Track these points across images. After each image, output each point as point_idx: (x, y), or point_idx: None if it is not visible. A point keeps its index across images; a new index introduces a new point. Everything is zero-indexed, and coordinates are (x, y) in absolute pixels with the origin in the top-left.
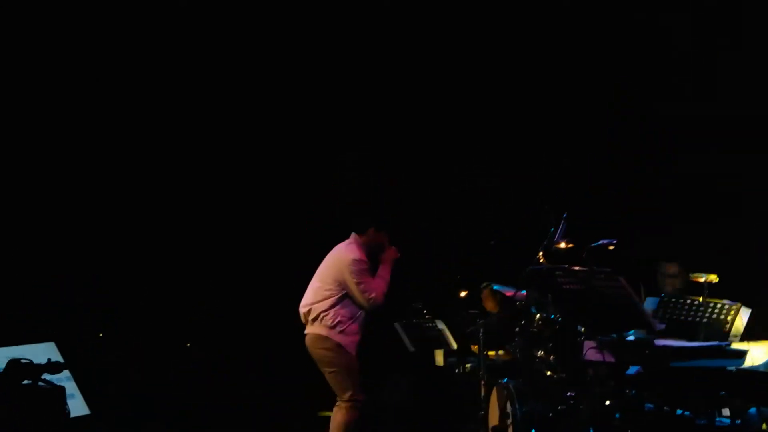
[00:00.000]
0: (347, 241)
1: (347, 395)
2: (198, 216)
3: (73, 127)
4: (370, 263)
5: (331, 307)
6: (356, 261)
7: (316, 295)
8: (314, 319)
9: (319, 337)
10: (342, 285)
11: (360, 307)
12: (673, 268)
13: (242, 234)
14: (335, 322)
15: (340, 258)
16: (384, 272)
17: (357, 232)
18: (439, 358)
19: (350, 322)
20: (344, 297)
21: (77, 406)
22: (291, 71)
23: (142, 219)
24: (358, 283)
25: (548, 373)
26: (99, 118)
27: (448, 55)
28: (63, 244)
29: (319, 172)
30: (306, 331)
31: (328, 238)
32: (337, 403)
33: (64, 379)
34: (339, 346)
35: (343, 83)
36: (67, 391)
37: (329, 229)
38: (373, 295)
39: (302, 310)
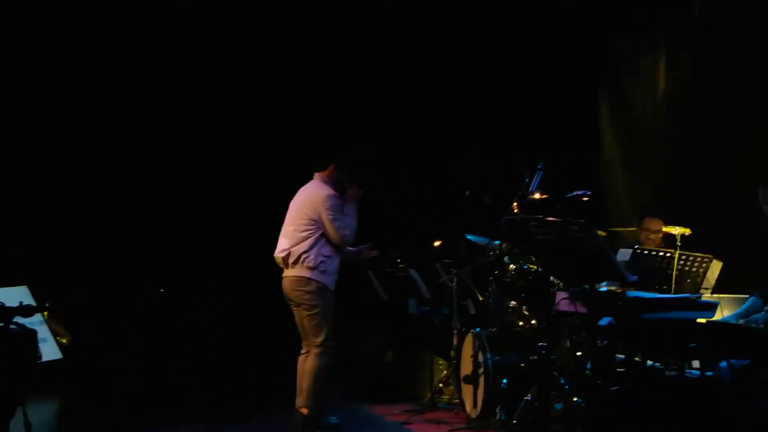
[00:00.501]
0: (312, 181)
1: (320, 339)
2: (188, 185)
3: (64, 108)
4: None
5: (312, 247)
6: (330, 196)
7: (293, 238)
8: (294, 262)
9: (301, 280)
10: (318, 223)
11: (331, 243)
12: (656, 225)
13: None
14: (317, 262)
15: (313, 195)
16: (350, 211)
17: (319, 170)
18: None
19: (330, 260)
20: (322, 236)
21: (49, 350)
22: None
23: (120, 174)
24: (333, 219)
25: (520, 323)
26: (88, 102)
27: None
28: (36, 187)
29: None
30: (285, 275)
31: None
32: (304, 350)
33: (36, 323)
34: (322, 286)
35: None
36: (40, 335)
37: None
38: (347, 231)
39: (280, 255)
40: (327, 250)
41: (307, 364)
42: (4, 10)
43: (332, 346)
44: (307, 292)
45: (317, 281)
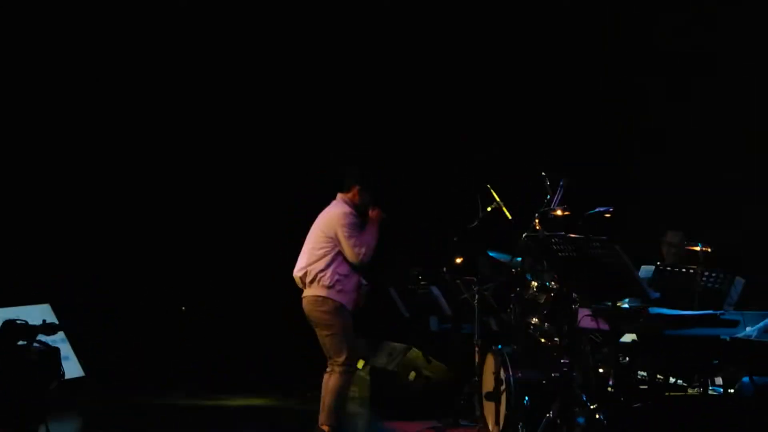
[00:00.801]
0: (334, 201)
1: (342, 358)
2: (191, 180)
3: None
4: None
5: (328, 265)
6: (347, 214)
7: (311, 256)
8: (312, 281)
9: (318, 299)
10: (334, 241)
11: (348, 262)
12: (675, 237)
13: (237, 197)
14: (333, 281)
15: (331, 214)
16: (371, 230)
17: (342, 191)
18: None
19: (347, 279)
20: (338, 254)
21: (72, 367)
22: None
23: (137, 186)
24: (348, 237)
25: (542, 340)
26: (82, 96)
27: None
28: (60, 208)
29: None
30: (304, 294)
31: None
32: (329, 368)
33: (59, 341)
34: (338, 306)
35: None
36: (62, 353)
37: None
38: (363, 249)
39: (298, 274)
40: (343, 269)
41: (330, 382)
42: (4, 10)
43: (355, 366)
44: (324, 312)
45: (333, 300)
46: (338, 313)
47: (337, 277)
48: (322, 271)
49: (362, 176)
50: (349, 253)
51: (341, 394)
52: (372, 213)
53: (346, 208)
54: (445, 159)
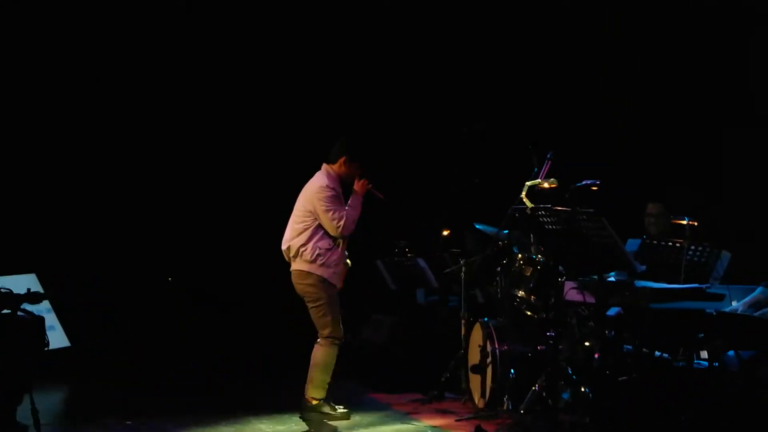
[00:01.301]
0: (318, 172)
1: (326, 331)
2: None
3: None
4: (342, 194)
5: (309, 239)
6: (324, 188)
7: (293, 231)
8: (295, 256)
9: (302, 273)
10: (313, 215)
11: (329, 235)
12: (656, 209)
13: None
14: (314, 255)
15: (310, 187)
16: (354, 202)
17: (328, 162)
18: None
19: (329, 253)
20: (318, 228)
21: (57, 337)
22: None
23: (126, 158)
24: (326, 210)
25: (528, 313)
26: (102, 99)
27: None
28: (47, 176)
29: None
30: (291, 268)
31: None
32: (317, 340)
33: (44, 310)
34: (322, 279)
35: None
36: (48, 323)
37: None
38: (342, 222)
39: (283, 247)
40: (325, 243)
41: (315, 353)
42: (4, 10)
43: (339, 338)
44: (308, 285)
45: (316, 274)
46: (321, 286)
47: (318, 251)
48: (303, 245)
49: (349, 147)
50: (329, 226)
51: (326, 367)
52: (357, 184)
53: (324, 181)
54: (433, 131)
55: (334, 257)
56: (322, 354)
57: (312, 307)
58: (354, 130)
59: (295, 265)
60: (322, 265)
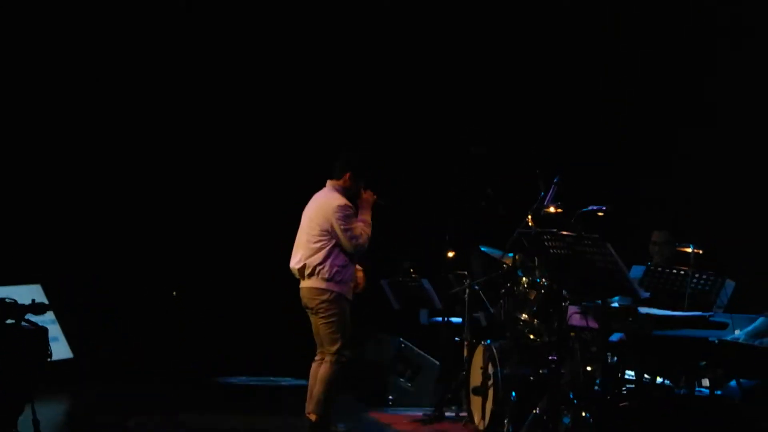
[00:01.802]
0: (325, 189)
1: (335, 347)
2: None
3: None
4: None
5: (326, 258)
6: (342, 207)
7: (307, 250)
8: (311, 274)
9: (318, 290)
10: (330, 233)
11: (345, 252)
12: (661, 236)
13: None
14: (332, 272)
15: (324, 206)
16: (365, 216)
17: (333, 178)
18: None
19: (345, 270)
20: (335, 246)
21: (60, 349)
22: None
23: (129, 169)
24: (345, 230)
25: (531, 336)
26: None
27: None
28: (54, 187)
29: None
30: (302, 285)
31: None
32: (318, 357)
33: (48, 321)
34: (338, 295)
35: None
36: (51, 334)
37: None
38: (360, 240)
39: (296, 266)
40: (341, 260)
41: (320, 371)
42: (4, 10)
43: (346, 356)
44: (324, 302)
45: (335, 291)
46: (337, 302)
47: (335, 269)
48: (320, 264)
49: (354, 163)
50: (347, 244)
51: (331, 384)
52: (365, 196)
53: (341, 200)
54: (440, 152)
55: (349, 273)
56: (327, 371)
57: (324, 323)
58: (354, 143)
59: (310, 283)
60: (339, 281)
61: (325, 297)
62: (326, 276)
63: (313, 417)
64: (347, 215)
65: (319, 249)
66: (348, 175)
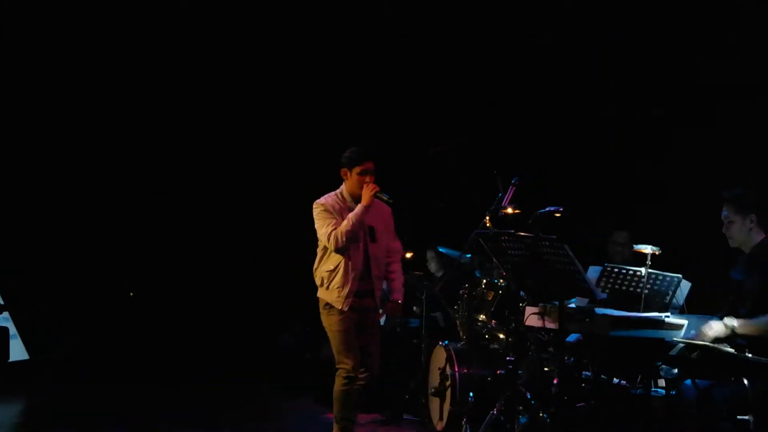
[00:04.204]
0: None
1: (337, 362)
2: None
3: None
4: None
5: (319, 262)
6: (315, 205)
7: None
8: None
9: (318, 300)
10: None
11: (333, 256)
12: (622, 237)
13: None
14: (321, 280)
15: None
16: (353, 212)
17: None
18: None
19: (332, 275)
20: (324, 249)
21: (16, 349)
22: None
23: (86, 169)
24: (318, 227)
25: (489, 337)
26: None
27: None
28: (7, 186)
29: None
30: None
31: None
32: None
33: (2, 320)
34: (327, 305)
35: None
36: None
37: None
38: (330, 234)
39: None
40: (327, 265)
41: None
42: (4, 10)
43: (345, 371)
44: (321, 311)
45: (321, 298)
46: (326, 312)
47: (322, 275)
48: (315, 269)
49: (344, 156)
50: (324, 241)
51: (337, 400)
52: (364, 189)
53: (321, 199)
54: (398, 152)
55: (337, 279)
56: (335, 386)
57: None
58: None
59: None
60: (327, 289)
61: (320, 307)
62: (318, 282)
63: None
64: (318, 212)
65: (317, 254)
66: (342, 171)
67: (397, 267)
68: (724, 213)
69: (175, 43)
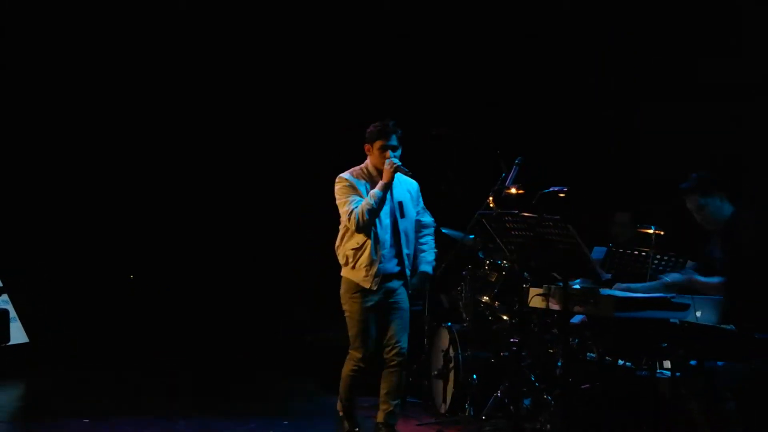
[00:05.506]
0: None
1: (350, 345)
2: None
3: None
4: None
5: (340, 242)
6: (338, 179)
7: None
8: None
9: (341, 278)
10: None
11: (356, 234)
12: (625, 218)
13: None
14: (345, 258)
15: None
16: (376, 189)
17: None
18: None
19: (357, 254)
20: (346, 230)
21: (16, 333)
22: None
23: (86, 152)
24: (341, 204)
25: (492, 318)
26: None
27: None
28: (7, 171)
29: None
30: None
31: None
32: None
33: (2, 302)
34: (350, 285)
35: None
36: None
37: None
38: (351, 212)
39: None
40: (351, 244)
41: None
42: (4, 10)
43: (356, 357)
44: (342, 290)
45: (345, 278)
46: (349, 297)
47: (346, 253)
48: (338, 247)
49: (367, 132)
50: (345, 219)
51: (342, 380)
52: (385, 166)
53: (343, 174)
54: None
55: (364, 258)
56: (344, 368)
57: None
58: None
59: None
60: (352, 268)
61: (342, 286)
62: (342, 261)
63: (339, 412)
64: (339, 188)
65: (339, 231)
66: (366, 147)
67: (429, 239)
68: (693, 203)
69: (175, 41)
